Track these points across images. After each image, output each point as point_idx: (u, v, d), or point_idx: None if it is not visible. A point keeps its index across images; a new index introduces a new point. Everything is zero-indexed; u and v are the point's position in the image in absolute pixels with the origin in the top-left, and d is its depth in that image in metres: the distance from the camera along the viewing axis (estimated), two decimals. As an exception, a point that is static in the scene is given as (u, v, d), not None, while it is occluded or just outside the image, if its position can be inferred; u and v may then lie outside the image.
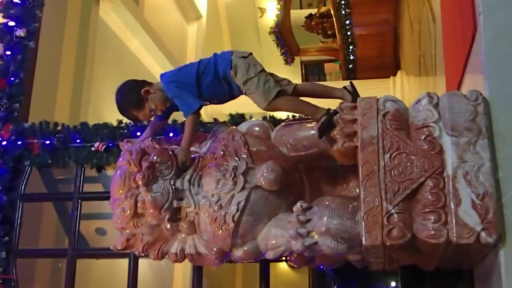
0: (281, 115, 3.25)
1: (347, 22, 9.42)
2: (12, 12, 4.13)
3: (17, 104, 4.00)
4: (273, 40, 11.38)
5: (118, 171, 2.78)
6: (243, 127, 2.93)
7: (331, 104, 2.73)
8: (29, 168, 3.85)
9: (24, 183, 3.85)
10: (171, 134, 3.43)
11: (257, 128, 2.89)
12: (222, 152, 2.69)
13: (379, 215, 2.37)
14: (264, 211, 2.62)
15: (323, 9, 11.16)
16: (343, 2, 9.21)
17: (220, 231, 2.61)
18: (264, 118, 3.43)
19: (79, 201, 3.77)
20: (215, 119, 3.61)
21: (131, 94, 2.83)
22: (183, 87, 2.79)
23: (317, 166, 2.83)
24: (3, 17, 4.16)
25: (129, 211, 2.69)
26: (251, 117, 3.49)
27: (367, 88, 6.80)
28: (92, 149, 3.69)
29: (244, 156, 2.66)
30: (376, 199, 2.39)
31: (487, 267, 2.54)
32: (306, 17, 11.24)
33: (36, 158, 3.80)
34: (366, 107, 2.54)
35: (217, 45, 11.25)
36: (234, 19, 12.62)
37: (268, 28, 11.62)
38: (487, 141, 2.34)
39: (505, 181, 2.31)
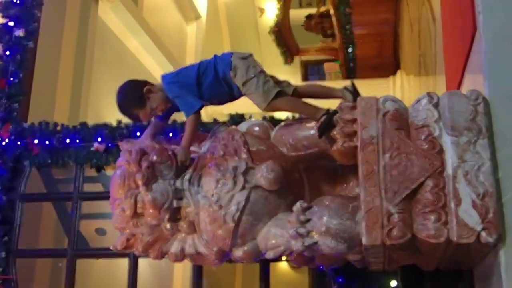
0: (280, 115, 3.25)
1: (347, 21, 9.42)
2: (11, 12, 4.13)
3: (17, 104, 3.99)
4: (273, 40, 11.37)
5: (118, 171, 2.78)
6: (242, 126, 2.94)
7: (331, 104, 2.73)
8: (29, 168, 3.85)
9: (23, 183, 3.84)
10: (171, 134, 3.44)
11: (257, 128, 2.89)
12: (222, 152, 2.69)
13: (379, 215, 2.37)
14: (264, 211, 2.62)
15: (322, 8, 11.14)
16: (343, 1, 9.22)
17: (220, 231, 2.61)
18: (264, 118, 3.43)
19: (79, 201, 3.77)
20: (215, 119, 3.62)
21: (133, 93, 2.84)
22: (184, 87, 2.81)
23: (317, 166, 2.83)
24: (2, 17, 4.16)
25: (128, 211, 2.68)
26: (250, 117, 3.48)
27: (366, 87, 6.79)
28: (92, 149, 3.69)
29: (244, 156, 2.65)
30: (376, 199, 2.39)
31: (487, 267, 2.54)
32: (305, 17, 11.24)
33: (36, 158, 3.80)
34: (366, 106, 2.53)
35: (217, 45, 11.24)
36: (233, 19, 12.60)
37: (268, 28, 11.61)
38: (487, 140, 2.34)
39: (505, 180, 2.31)
